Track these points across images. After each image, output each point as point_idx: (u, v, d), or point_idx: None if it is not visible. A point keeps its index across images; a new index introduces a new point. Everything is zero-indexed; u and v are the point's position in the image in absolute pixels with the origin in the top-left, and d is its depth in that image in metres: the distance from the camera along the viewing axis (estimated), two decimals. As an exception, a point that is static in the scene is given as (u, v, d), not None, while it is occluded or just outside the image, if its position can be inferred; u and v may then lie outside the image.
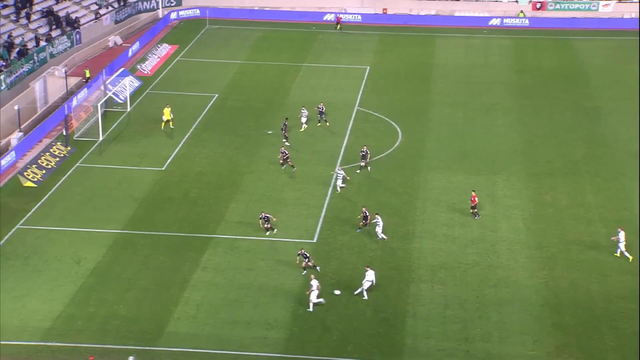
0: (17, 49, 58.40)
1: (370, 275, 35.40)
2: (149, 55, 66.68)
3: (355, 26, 76.72)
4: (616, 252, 38.33)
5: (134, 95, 58.32)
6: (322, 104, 53.37)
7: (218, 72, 63.92)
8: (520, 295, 35.76)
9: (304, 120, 52.07)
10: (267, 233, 40.04)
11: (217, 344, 32.64)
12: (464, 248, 39.37)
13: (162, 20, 75.64)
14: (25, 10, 64.14)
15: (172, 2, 79.77)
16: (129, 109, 55.17)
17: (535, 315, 34.54)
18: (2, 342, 32.13)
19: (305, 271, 36.89)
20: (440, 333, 33.42)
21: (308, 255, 37.00)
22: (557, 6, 79.91)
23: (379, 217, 39.75)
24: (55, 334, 32.78)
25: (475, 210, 41.96)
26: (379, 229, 39.72)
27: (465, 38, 73.96)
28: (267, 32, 74.57)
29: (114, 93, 56.56)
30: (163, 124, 52.19)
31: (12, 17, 62.98)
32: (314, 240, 39.86)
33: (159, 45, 69.14)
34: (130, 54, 66.77)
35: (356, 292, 35.50)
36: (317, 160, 48.38)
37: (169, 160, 48.38)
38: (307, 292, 34.54)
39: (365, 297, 35.27)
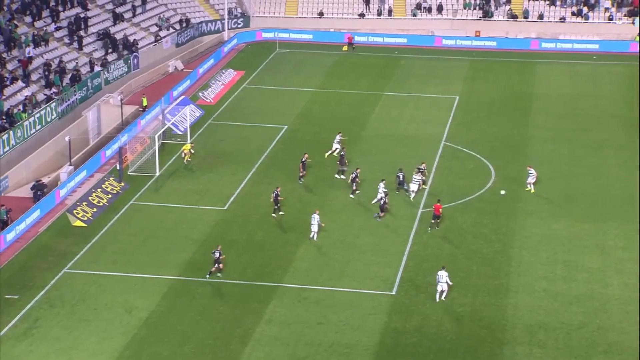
0: (70, 75, 60.66)
1: (442, 277, 38.11)
2: (213, 81, 68.27)
3: (443, 50, 76.95)
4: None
5: (195, 126, 59.69)
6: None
7: (288, 100, 64.94)
8: (635, 363, 34.83)
9: (335, 146, 53.69)
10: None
11: (282, 408, 32.73)
12: (567, 306, 38.59)
13: (227, 43, 77.45)
14: (79, 32, 66.71)
15: (239, 24, 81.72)
16: (189, 141, 56.48)
17: (652, 387, 33.55)
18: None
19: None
20: (539, 405, 32.76)
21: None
22: (680, 28, 78.43)
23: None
24: (102, 390, 33.43)
25: (438, 221, 44.80)
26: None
27: (571, 65, 73.27)
28: (344, 56, 75.48)
29: (173, 123, 57.99)
30: (186, 157, 53.30)
31: (65, 40, 65.57)
32: (393, 293, 39.76)
33: (223, 71, 70.74)
34: (191, 80, 68.47)
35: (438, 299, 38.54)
36: (398, 202, 48.42)
37: (232, 199, 49.19)
38: None
39: (437, 300, 38.43)
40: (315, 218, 44.31)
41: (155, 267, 41.98)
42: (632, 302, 38.77)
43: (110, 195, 49.33)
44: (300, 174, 50.77)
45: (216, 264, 40.62)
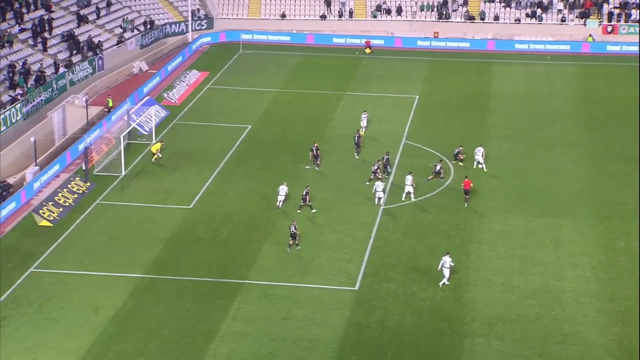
0: (35, 76, 59.95)
1: (446, 262, 39.30)
2: (177, 82, 67.91)
3: (403, 51, 77.28)
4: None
5: (160, 126, 59.35)
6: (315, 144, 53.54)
7: (252, 101, 64.79)
8: (590, 354, 35.24)
9: (364, 124, 57.58)
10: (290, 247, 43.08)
11: (247, 402, 32.68)
12: (524, 299, 39.01)
13: (191, 45, 77.10)
14: (43, 34, 65.94)
15: (203, 26, 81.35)
16: (154, 141, 56.11)
17: (606, 376, 34.06)
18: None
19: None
20: (498, 395, 33.08)
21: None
22: (631, 30, 79.64)
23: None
24: (69, 388, 33.13)
25: (467, 197, 47.22)
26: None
27: (526, 65, 74.01)
28: (306, 57, 75.52)
29: (138, 124, 57.59)
30: (155, 156, 53.18)
31: (30, 42, 64.78)
32: (356, 288, 39.88)
33: (187, 72, 70.41)
34: (156, 81, 68.06)
35: (441, 283, 39.52)
36: (360, 200, 48.56)
37: (197, 198, 48.98)
38: None
39: (442, 284, 39.55)
40: (284, 189, 46.52)
41: (121, 265, 41.67)
42: (585, 294, 39.30)
43: (76, 195, 48.86)
44: (317, 162, 52.23)
45: (293, 238, 42.38)
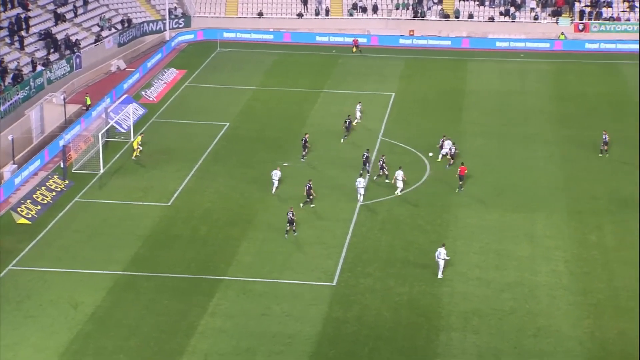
0: (12, 74, 59.55)
1: (441, 254, 39.71)
2: (155, 80, 67.73)
3: (379, 49, 77.48)
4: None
5: (138, 124, 59.18)
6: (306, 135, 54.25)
7: (230, 98, 64.76)
8: (563, 346, 35.62)
9: (358, 115, 58.64)
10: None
11: (227, 397, 32.74)
12: (499, 293, 39.34)
13: (169, 43, 76.89)
14: (20, 32, 65.49)
15: (181, 24, 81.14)
16: (132, 139, 55.97)
17: (579, 368, 34.41)
18: (-9, 394, 32.44)
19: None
20: (474, 387, 33.35)
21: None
22: (602, 27, 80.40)
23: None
24: (49, 385, 33.01)
25: (461, 183, 48.54)
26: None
27: (500, 62, 74.49)
28: (283, 55, 75.54)
29: (116, 122, 57.41)
30: (135, 152, 53.11)
31: (7, 40, 64.32)
32: (334, 283, 40.04)
33: (165, 70, 70.23)
34: (134, 79, 67.81)
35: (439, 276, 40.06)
36: (338, 196, 48.73)
37: (176, 195, 48.93)
38: None
39: (440, 275, 40.04)
40: (277, 174, 47.93)
41: (100, 262, 41.56)
42: (558, 287, 39.71)
43: (54, 193, 48.63)
44: (303, 153, 52.89)
45: (291, 224, 43.63)
